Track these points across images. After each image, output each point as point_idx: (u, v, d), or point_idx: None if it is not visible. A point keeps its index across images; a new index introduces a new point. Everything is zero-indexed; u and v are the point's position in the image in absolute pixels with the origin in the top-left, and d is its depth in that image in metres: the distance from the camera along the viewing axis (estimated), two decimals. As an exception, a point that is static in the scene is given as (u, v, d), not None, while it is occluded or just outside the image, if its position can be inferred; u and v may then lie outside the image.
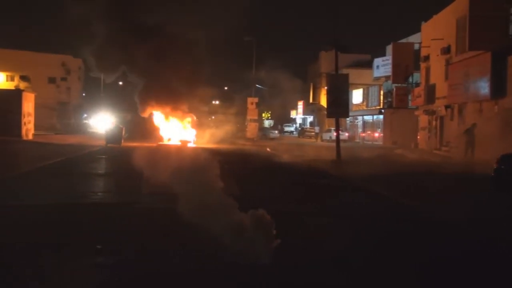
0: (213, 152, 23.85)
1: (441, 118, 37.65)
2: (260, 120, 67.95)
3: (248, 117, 55.72)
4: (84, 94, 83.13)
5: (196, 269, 7.03)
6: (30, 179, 16.46)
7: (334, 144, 30.30)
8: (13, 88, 57.13)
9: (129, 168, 15.90)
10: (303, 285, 6.61)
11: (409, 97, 45.13)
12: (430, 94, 38.86)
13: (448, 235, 9.78)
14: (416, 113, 43.89)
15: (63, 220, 9.96)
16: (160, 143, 36.82)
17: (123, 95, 44.73)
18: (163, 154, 22.61)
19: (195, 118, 40.11)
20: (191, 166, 9.39)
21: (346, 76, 33.18)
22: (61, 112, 70.54)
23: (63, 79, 74.41)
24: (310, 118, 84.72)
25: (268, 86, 55.88)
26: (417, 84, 43.60)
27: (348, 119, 60.24)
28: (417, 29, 44.08)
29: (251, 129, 55.58)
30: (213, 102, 50.09)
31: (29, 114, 39.43)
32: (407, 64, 42.57)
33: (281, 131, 77.11)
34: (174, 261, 7.37)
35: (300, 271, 7.05)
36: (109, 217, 10.46)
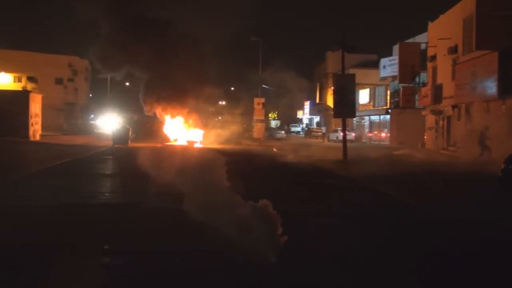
0: (219, 153, 23.84)
1: (448, 118, 37.55)
2: (266, 121, 67.94)
3: (255, 118, 55.72)
4: (91, 95, 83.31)
5: (200, 269, 7.04)
6: (37, 180, 16.52)
7: (340, 144, 30.28)
8: (20, 89, 57.35)
9: (136, 168, 15.92)
10: (306, 285, 6.62)
11: (416, 97, 45.01)
12: (437, 94, 38.75)
13: (454, 235, 9.75)
14: (423, 113, 43.78)
15: (71, 220, 10.00)
16: (167, 143, 36.98)
17: (130, 96, 44.87)
18: (169, 154, 22.64)
19: (201, 118, 40.25)
20: (198, 166, 9.41)
21: (353, 76, 33.12)
22: (68, 113, 70.70)
23: (70, 80, 74.56)
24: (316, 118, 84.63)
25: (274, 86, 55.88)
26: (424, 84, 43.48)
27: (354, 119, 60.12)
28: (424, 29, 44.00)
29: (258, 129, 55.57)
30: (220, 102, 50.18)
31: (36, 115, 39.56)
32: (414, 64, 42.43)
33: (288, 132, 77.05)
34: (181, 262, 7.38)
35: (304, 271, 7.06)
36: (117, 218, 10.49)
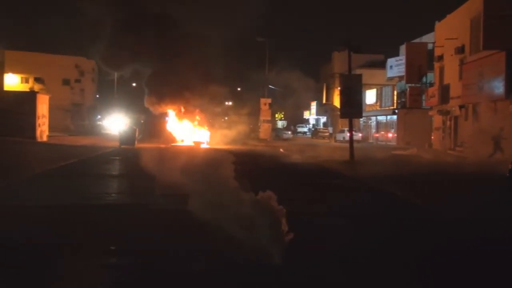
0: (226, 153, 23.89)
1: (455, 118, 37.42)
2: (273, 121, 67.92)
3: (261, 118, 55.73)
4: (97, 96, 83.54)
5: (206, 270, 7.04)
6: (44, 180, 16.56)
7: (347, 144, 30.22)
8: (27, 90, 57.55)
9: (143, 169, 15.96)
10: (306, 285, 6.61)
11: (423, 97, 44.90)
12: (444, 94, 38.63)
13: (462, 235, 9.70)
14: (430, 113, 43.66)
15: (77, 221, 10.01)
16: (174, 144, 37.05)
17: (137, 97, 44.93)
18: (176, 155, 22.67)
19: (208, 119, 40.28)
20: (204, 167, 9.42)
21: (360, 77, 33.06)
22: (75, 114, 70.93)
23: (77, 80, 74.82)
24: (323, 119, 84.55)
25: (281, 86, 55.91)
26: (431, 84, 43.36)
27: (361, 119, 60.03)
28: (431, 29, 43.89)
29: (264, 129, 55.58)
30: (226, 103, 50.19)
31: (43, 116, 39.68)
32: (421, 64, 42.31)
33: (294, 132, 77.00)
34: (182, 262, 7.38)
35: (309, 271, 7.04)
36: (123, 218, 10.50)
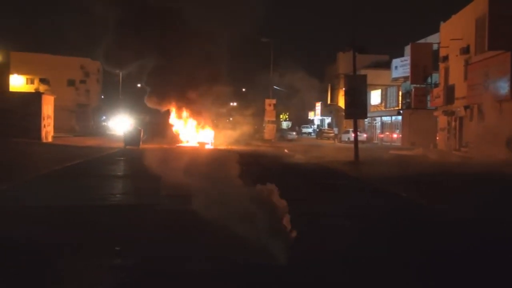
0: (230, 154, 23.85)
1: (460, 118, 37.35)
2: (278, 122, 67.90)
3: (266, 119, 55.71)
4: (102, 97, 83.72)
5: (206, 270, 7.04)
6: (49, 181, 16.60)
7: (352, 145, 30.19)
8: (33, 91, 57.73)
9: (148, 170, 15.96)
10: (307, 285, 6.62)
11: (428, 98, 44.84)
12: (449, 94, 38.58)
13: (466, 236, 9.68)
14: (435, 113, 43.59)
15: (82, 221, 10.02)
16: (179, 144, 37.05)
17: (142, 97, 44.98)
18: (181, 156, 22.67)
19: (213, 119, 40.30)
20: (209, 167, 9.43)
21: (364, 77, 33.02)
22: (80, 115, 71.14)
23: (82, 81, 75.03)
24: (328, 119, 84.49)
25: (285, 87, 55.87)
26: (436, 85, 43.29)
27: (366, 120, 59.95)
28: (436, 29, 43.82)
29: (269, 130, 55.56)
30: (231, 103, 50.21)
31: (48, 117, 39.80)
32: (426, 64, 42.28)
33: (299, 133, 76.96)
34: (182, 262, 7.38)
35: (309, 271, 7.04)
36: (128, 219, 10.51)
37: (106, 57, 35.29)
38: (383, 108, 60.00)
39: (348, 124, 53.98)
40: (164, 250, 7.97)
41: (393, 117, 57.16)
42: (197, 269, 7.07)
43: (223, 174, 9.08)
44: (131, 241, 8.50)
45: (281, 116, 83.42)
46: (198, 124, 39.03)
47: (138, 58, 33.81)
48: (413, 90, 46.45)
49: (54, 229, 9.26)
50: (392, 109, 56.73)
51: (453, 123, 39.22)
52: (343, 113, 40.99)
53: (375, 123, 64.76)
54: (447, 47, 38.99)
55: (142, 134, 37.11)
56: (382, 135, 61.13)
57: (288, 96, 57.17)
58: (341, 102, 59.02)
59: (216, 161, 10.32)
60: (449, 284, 6.80)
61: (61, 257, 7.43)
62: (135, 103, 52.44)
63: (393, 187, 16.31)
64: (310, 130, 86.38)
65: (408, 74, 45.91)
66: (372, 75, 49.36)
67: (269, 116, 55.90)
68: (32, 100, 38.93)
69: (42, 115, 38.19)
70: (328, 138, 65.14)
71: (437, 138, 43.55)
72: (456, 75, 37.67)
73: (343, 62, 68.99)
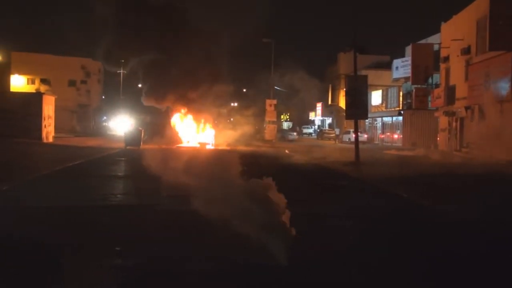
0: (231, 154, 23.85)
1: (461, 119, 37.34)
2: (278, 122, 67.88)
3: (267, 119, 55.68)
4: (103, 97, 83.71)
5: (201, 270, 7.04)
6: (50, 181, 16.59)
7: (353, 145, 30.18)
8: (33, 91, 57.76)
9: (148, 170, 15.94)
10: (310, 285, 6.61)
11: (429, 98, 44.82)
12: (450, 95, 38.56)
13: (467, 237, 9.66)
14: (436, 114, 43.58)
15: (83, 221, 10.01)
16: (179, 145, 37.06)
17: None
18: (181, 156, 22.68)
19: (213, 120, 40.31)
20: (210, 167, 9.42)
21: (365, 78, 33.00)
22: (81, 115, 71.17)
23: (83, 82, 75.05)
24: (328, 120, 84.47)
25: (286, 87, 55.82)
26: (437, 85, 43.28)
27: (367, 120, 59.89)
28: (437, 30, 43.81)
29: (270, 131, 55.53)
30: (232, 104, 50.18)
31: (49, 117, 39.81)
32: (427, 65, 42.27)
33: (300, 133, 76.93)
34: (183, 262, 7.38)
35: (310, 272, 7.03)
36: (129, 219, 10.50)
37: (107, 57, 35.29)
38: (384, 109, 60.00)
39: (349, 124, 53.94)
40: (164, 250, 7.96)
41: (394, 118, 57.14)
42: (197, 269, 7.07)
43: (224, 175, 9.08)
44: (131, 241, 8.50)
45: (282, 117, 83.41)
46: (199, 124, 39.06)
47: (138, 57, 33.83)
48: (414, 90, 46.43)
49: (55, 229, 9.26)
50: (393, 109, 56.72)
51: (454, 124, 39.20)
52: (344, 114, 40.96)
53: (376, 123, 64.75)
54: (448, 47, 38.97)
55: (142, 134, 37.11)
56: (383, 136, 61.12)
57: (289, 97, 57.12)
58: (342, 103, 59.06)
59: (216, 161, 10.32)
60: (450, 285, 6.79)
61: (61, 257, 7.42)
62: (136, 103, 52.45)
63: (394, 188, 16.30)
64: (311, 130, 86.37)
65: (409, 74, 45.89)
66: (373, 75, 49.41)
67: (270, 116, 55.87)
68: (33, 100, 38.94)
69: (43, 115, 38.20)
70: (329, 138, 65.12)
71: (438, 138, 43.53)
72: (457, 76, 37.66)
73: (344, 62, 69.04)
